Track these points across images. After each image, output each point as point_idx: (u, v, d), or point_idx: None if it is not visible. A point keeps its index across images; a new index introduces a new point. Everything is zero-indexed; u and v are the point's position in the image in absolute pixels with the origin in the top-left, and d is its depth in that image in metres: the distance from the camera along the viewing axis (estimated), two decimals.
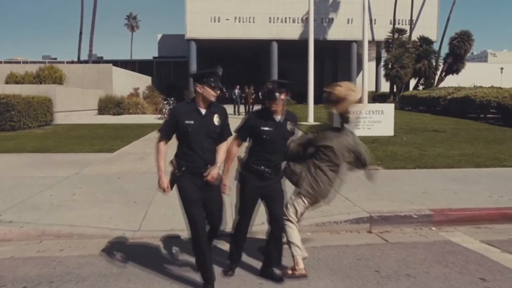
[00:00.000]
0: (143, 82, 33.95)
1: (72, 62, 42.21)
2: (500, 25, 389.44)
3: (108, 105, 25.88)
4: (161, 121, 20.15)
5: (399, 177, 7.87)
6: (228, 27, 35.34)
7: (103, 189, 7.05)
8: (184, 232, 5.06)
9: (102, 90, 26.59)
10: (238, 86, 25.68)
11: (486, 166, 9.10)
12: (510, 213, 5.99)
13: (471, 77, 38.45)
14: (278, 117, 3.84)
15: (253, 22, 35.75)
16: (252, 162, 3.85)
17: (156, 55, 49.90)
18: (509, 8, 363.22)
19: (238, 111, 24.80)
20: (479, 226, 5.74)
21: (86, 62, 38.24)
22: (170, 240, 4.92)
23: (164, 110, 22.21)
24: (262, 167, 3.81)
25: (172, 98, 24.29)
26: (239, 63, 48.38)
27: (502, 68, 52.58)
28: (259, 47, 38.36)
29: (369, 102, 22.63)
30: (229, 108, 30.07)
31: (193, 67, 36.00)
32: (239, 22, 35.64)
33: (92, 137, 14.04)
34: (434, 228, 5.61)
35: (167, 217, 5.58)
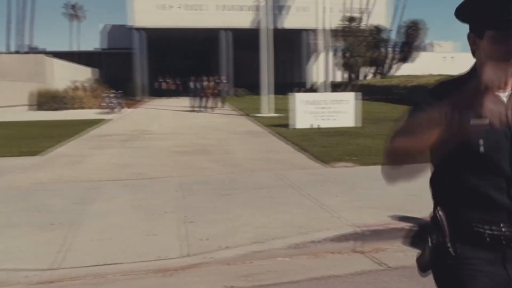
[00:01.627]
0: (87, 74, 31.54)
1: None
2: (445, 17, 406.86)
3: (48, 100, 23.50)
4: (105, 116, 18.38)
5: (381, 176, 6.79)
6: (176, 15, 33.52)
7: (18, 207, 5.49)
8: (122, 266, 3.72)
9: (36, 83, 24.08)
10: (197, 77, 22.30)
11: None
12: None
13: (423, 65, 38.70)
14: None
15: (202, 10, 34.09)
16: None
17: (104, 46, 46.97)
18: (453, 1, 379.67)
19: (200, 107, 21.51)
20: None
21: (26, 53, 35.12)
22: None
23: (108, 104, 20.32)
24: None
25: (119, 91, 22.33)
26: (191, 53, 46.53)
27: (452, 57, 53.96)
28: (212, 37, 36.77)
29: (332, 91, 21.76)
30: (179, 102, 28.46)
31: (141, 58, 33.89)
32: (188, 9, 33.88)
33: (21, 138, 12.11)
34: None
35: (99, 244, 4.19)
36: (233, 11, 34.55)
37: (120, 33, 41.41)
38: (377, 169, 6.33)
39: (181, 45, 43.36)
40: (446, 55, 56.32)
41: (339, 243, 4.38)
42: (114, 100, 20.73)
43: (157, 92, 32.21)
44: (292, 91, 32.02)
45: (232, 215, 4.96)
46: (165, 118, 18.03)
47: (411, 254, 4.06)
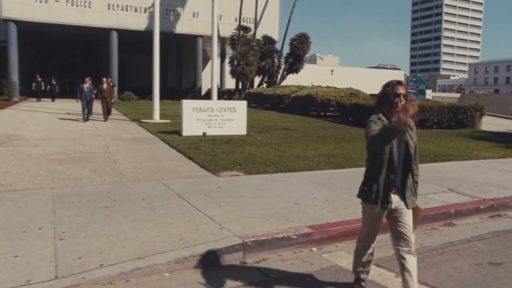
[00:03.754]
0: None
1: None
2: (327, 32, 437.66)
3: None
4: None
5: (264, 185, 6.92)
6: (59, 10, 30.96)
7: None
8: None
9: None
10: (88, 79, 18.01)
11: (343, 166, 8.86)
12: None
13: (308, 77, 41.10)
14: None
15: (90, 7, 32.04)
16: None
17: None
18: (334, 17, 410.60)
19: (89, 113, 17.76)
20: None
21: None
22: None
23: None
24: None
25: None
26: (74, 53, 43.45)
27: (332, 70, 58.39)
28: (98, 36, 34.74)
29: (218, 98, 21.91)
30: (60, 105, 26.24)
31: (14, 54, 30.58)
32: (72, 5, 31.53)
33: None
34: (315, 249, 4.75)
35: None
36: (123, 11, 33.02)
37: None
38: (260, 178, 6.49)
39: (64, 43, 40.24)
40: (327, 68, 60.73)
41: (226, 255, 4.33)
42: None
43: (35, 93, 29.22)
44: (186, 97, 31.81)
45: (109, 230, 4.61)
46: (41, 122, 16.45)
47: (290, 263, 4.20)
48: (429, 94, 50.69)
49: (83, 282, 3.59)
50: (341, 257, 4.51)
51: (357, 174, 7.99)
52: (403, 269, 3.31)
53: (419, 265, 4.34)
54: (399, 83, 3.23)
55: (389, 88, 3.21)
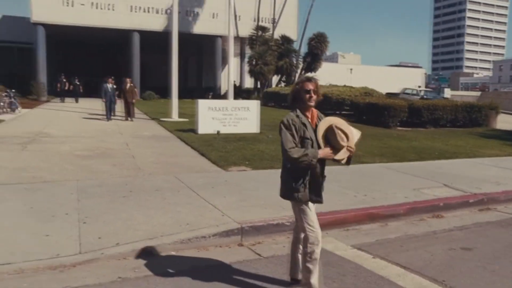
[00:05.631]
0: None
1: None
2: (348, 30, 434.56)
3: None
4: None
5: (268, 179, 7.51)
6: (83, 12, 32.15)
7: None
8: (13, 265, 3.87)
9: None
10: (110, 79, 18.63)
11: None
12: (375, 213, 6.02)
13: (326, 76, 41.38)
14: None
15: (113, 10, 33.16)
16: None
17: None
18: (355, 15, 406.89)
19: (111, 113, 18.31)
20: (348, 228, 5.64)
21: None
22: None
23: (2, 103, 18.93)
24: None
25: (13, 90, 20.83)
26: (97, 54, 44.76)
27: (351, 69, 58.32)
28: (120, 38, 35.85)
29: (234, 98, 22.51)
30: (84, 104, 27.35)
31: (42, 56, 31.95)
32: (96, 8, 32.70)
33: None
34: None
35: None
36: (145, 13, 34.06)
37: (19, 26, 38.59)
38: (265, 173, 7.21)
39: (88, 44, 41.56)
40: (346, 67, 60.63)
41: (225, 238, 4.95)
42: (6, 100, 19.34)
43: (60, 93, 30.46)
44: (206, 96, 32.58)
45: (125, 215, 5.29)
46: (67, 121, 17.42)
47: (282, 246, 4.78)
48: (447, 93, 50.29)
49: (102, 257, 4.26)
50: (329, 242, 5.04)
51: (359, 170, 8.53)
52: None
53: (398, 249, 4.89)
54: (308, 79, 3.48)
55: (299, 85, 3.48)
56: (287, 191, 3.54)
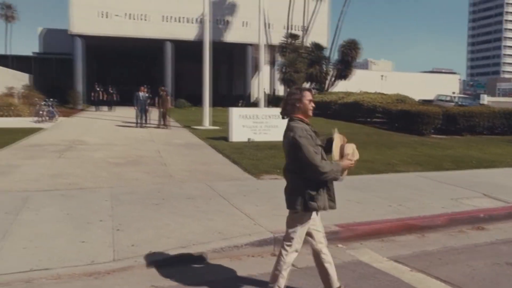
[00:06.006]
0: (18, 80, 30.15)
1: None
2: (380, 36, 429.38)
3: None
4: (38, 125, 17.84)
5: None
6: (118, 24, 33.05)
7: None
8: (50, 271, 3.96)
9: None
10: (143, 88, 19.20)
11: (380, 172, 9.15)
12: (411, 224, 5.83)
13: (358, 83, 40.88)
14: None
15: (146, 20, 33.95)
16: None
17: (37, 50, 45.04)
18: (387, 22, 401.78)
19: (144, 121, 18.77)
20: (383, 239, 5.47)
21: None
22: None
23: (41, 112, 19.63)
24: None
25: (53, 100, 21.59)
26: (131, 63, 45.84)
27: (383, 76, 57.51)
28: (153, 47, 36.60)
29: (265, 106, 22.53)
30: (117, 113, 27.98)
31: (79, 66, 33.01)
32: (130, 19, 33.57)
33: None
34: (341, 245, 5.19)
35: (27, 252, 4.39)
36: (177, 22, 34.71)
37: (59, 38, 40.08)
38: None
39: (123, 54, 42.63)
40: (378, 74, 59.78)
41: (258, 248, 4.88)
42: (46, 109, 20.06)
43: (95, 101, 31.37)
44: (237, 104, 32.78)
45: (157, 223, 5.31)
46: (101, 129, 17.85)
47: None
48: (485, 99, 48.69)
49: (135, 264, 4.28)
50: (364, 254, 4.92)
51: (393, 179, 8.33)
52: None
53: (437, 262, 4.70)
54: (308, 89, 3.60)
55: (299, 94, 3.49)
56: (304, 202, 3.50)
